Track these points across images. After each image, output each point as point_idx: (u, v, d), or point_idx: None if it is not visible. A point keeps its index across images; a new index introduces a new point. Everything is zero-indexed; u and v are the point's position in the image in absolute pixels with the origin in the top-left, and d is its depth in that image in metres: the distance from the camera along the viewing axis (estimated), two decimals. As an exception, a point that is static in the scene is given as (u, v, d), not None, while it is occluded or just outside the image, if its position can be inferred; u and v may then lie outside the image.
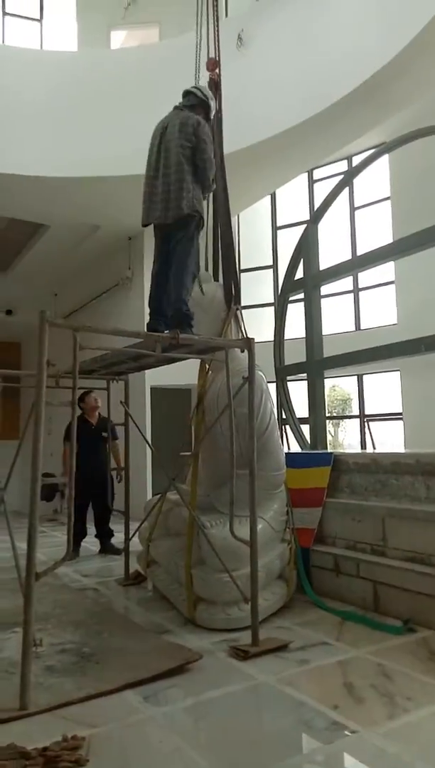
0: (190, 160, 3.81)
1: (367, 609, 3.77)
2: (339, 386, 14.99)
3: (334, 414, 15.58)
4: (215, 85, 4.75)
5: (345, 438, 15.19)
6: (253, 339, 3.60)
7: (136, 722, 2.39)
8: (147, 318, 4.01)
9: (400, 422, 8.65)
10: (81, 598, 4.24)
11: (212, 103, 4.24)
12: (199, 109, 4.12)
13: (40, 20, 9.37)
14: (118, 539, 5.85)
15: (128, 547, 4.81)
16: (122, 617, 3.80)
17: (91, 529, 6.16)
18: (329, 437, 15.29)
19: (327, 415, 8.34)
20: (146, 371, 6.76)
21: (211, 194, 4.53)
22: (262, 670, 2.87)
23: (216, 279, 4.56)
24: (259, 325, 9.05)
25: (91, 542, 6.67)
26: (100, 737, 2.25)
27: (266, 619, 3.58)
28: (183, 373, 6.10)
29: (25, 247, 9.87)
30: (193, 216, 3.78)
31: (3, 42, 8.83)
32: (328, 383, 13.12)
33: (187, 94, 4.20)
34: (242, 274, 10.21)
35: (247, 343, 3.55)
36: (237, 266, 4.50)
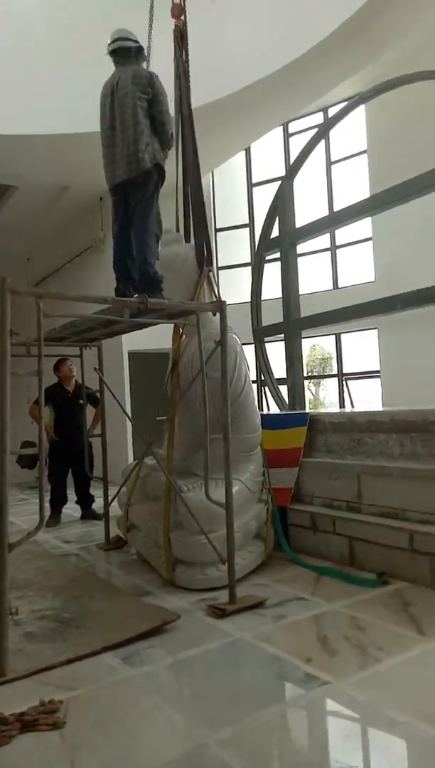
0: (147, 113, 3.65)
1: (344, 564, 3.87)
2: (319, 345, 15.04)
3: (315, 373, 15.69)
4: (181, 33, 4.51)
5: (326, 397, 15.34)
6: (224, 302, 3.54)
7: (114, 683, 2.44)
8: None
9: (378, 380, 8.71)
10: (62, 564, 4.28)
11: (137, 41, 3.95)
12: (141, 57, 3.94)
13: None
14: (98, 504, 5.89)
15: (108, 513, 4.84)
16: (102, 581, 3.84)
17: (73, 495, 6.19)
18: (310, 397, 15.45)
19: (306, 374, 8.37)
20: (123, 336, 6.68)
21: (180, 151, 4.37)
22: (239, 627, 2.94)
23: (187, 240, 4.44)
24: (238, 286, 8.95)
25: (73, 508, 6.71)
26: (79, 700, 2.29)
27: (244, 577, 3.65)
28: (162, 337, 6.03)
29: (-6, 210, 9.54)
30: (153, 174, 3.64)
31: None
32: (308, 343, 13.16)
33: (121, 49, 3.83)
34: (218, 234, 10.02)
35: (219, 306, 3.49)
36: (208, 226, 4.37)
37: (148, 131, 3.61)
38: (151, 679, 2.49)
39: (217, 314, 3.54)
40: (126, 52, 3.84)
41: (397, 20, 6.29)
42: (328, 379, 14.03)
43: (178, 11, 4.54)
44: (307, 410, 5.66)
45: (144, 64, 3.99)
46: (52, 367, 5.72)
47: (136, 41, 3.92)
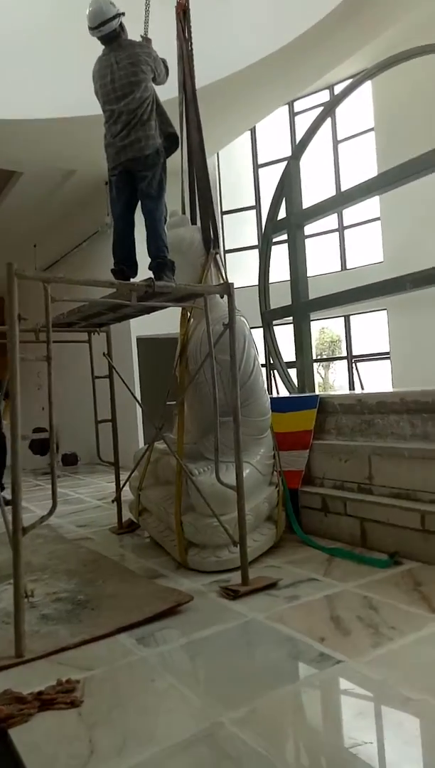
0: (151, 88, 3.61)
1: (355, 545, 3.88)
2: (328, 328, 14.93)
3: (324, 356, 15.61)
4: (184, 11, 4.43)
5: (335, 380, 15.28)
6: (232, 284, 3.51)
7: (130, 663, 2.47)
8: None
9: (388, 361, 8.66)
10: (76, 548, 4.32)
11: (115, 9, 3.78)
12: (123, 28, 3.79)
13: None
14: (108, 490, 5.93)
15: (120, 497, 4.87)
16: (116, 565, 3.88)
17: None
18: (319, 379, 15.40)
19: (315, 357, 8.33)
20: (132, 322, 6.67)
21: (184, 133, 4.31)
22: (251, 608, 2.96)
23: (193, 222, 4.40)
24: (245, 269, 8.89)
25: (86, 494, 6.79)
26: (95, 679, 2.33)
27: (256, 559, 3.67)
28: (170, 321, 6.01)
29: (-1, 197, 9.52)
30: (162, 153, 3.62)
31: None
32: (317, 325, 13.05)
33: (108, 32, 3.70)
34: (224, 216, 9.93)
35: (227, 288, 3.47)
36: (215, 209, 4.33)
37: (155, 112, 3.59)
38: (166, 659, 2.52)
39: (225, 297, 3.52)
40: (112, 35, 3.75)
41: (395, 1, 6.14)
42: (337, 362, 13.97)
43: (181, -11, 4.45)
44: (317, 393, 5.64)
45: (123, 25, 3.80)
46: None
47: (115, 14, 3.71)
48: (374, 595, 3.01)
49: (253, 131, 9.82)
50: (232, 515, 3.45)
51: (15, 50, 6.78)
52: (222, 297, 3.67)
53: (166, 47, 4.27)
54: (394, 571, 3.36)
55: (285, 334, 6.59)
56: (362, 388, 8.99)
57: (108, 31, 3.71)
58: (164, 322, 5.64)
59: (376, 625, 2.66)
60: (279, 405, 4.64)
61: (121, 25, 3.80)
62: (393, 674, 2.24)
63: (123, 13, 3.80)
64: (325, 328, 14.91)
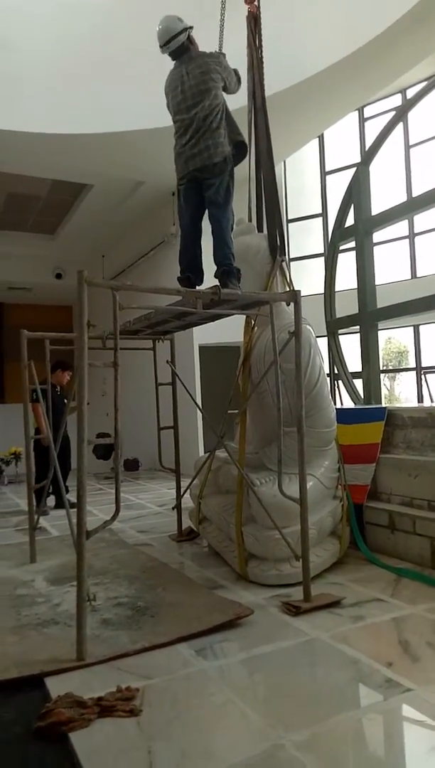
0: (222, 98, 3.63)
1: (424, 566, 3.68)
2: (395, 338, 14.50)
3: (390, 367, 15.16)
4: (254, 19, 4.44)
5: (401, 392, 14.79)
6: (299, 291, 3.44)
7: (188, 675, 2.44)
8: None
9: (460, 374, 8.28)
10: (136, 553, 4.35)
11: (183, 24, 3.84)
12: (193, 41, 3.85)
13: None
14: (165, 497, 5.95)
15: (180, 504, 4.87)
16: (176, 572, 3.87)
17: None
18: (385, 391, 14.94)
19: (381, 368, 8.08)
20: (194, 330, 6.71)
21: (253, 141, 4.30)
22: (314, 626, 2.86)
23: (260, 230, 4.37)
24: (310, 277, 8.78)
25: (147, 499, 6.86)
26: (154, 689, 2.30)
27: (319, 575, 3.56)
28: (231, 330, 6.00)
29: (71, 209, 9.87)
30: (229, 162, 3.63)
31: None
32: (383, 335, 12.71)
33: (176, 47, 3.79)
34: (290, 224, 9.86)
35: (293, 296, 3.40)
36: (282, 216, 4.28)
37: (224, 120, 3.61)
38: (225, 673, 2.46)
39: (291, 305, 3.45)
40: (180, 49, 3.81)
41: None
42: (404, 374, 13.52)
43: (252, -3, 4.46)
44: (384, 405, 5.45)
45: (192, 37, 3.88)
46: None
47: (181, 29, 3.79)
48: (446, 621, 2.84)
49: (320, 138, 9.72)
50: (294, 528, 3.36)
51: (86, 67, 7.03)
52: (288, 305, 3.61)
53: (236, 55, 4.29)
54: (467, 597, 3.16)
55: (351, 344, 6.42)
56: (432, 400, 8.63)
57: (175, 46, 3.78)
58: (226, 330, 5.63)
59: (449, 654, 2.50)
60: (345, 416, 4.51)
61: (190, 38, 3.85)
62: (468, 709, 2.08)
63: (191, 27, 3.85)
64: (391, 338, 14.49)
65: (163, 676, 2.42)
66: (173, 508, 4.99)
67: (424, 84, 6.41)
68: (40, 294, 12.48)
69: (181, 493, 4.84)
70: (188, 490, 4.73)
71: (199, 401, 8.18)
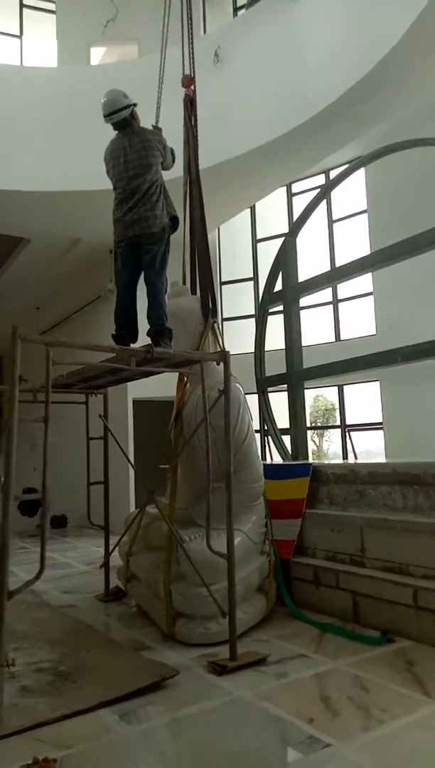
0: (161, 176, 3.90)
1: (347, 620, 3.78)
2: (323, 396, 15.10)
3: (319, 424, 15.68)
4: (190, 101, 4.80)
5: (329, 448, 15.27)
6: (228, 352, 3.62)
7: (110, 742, 2.36)
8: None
9: (381, 432, 8.71)
10: (60, 615, 4.19)
11: (127, 100, 4.10)
12: (135, 116, 4.11)
13: (20, 36, 9.43)
14: (99, 554, 5.81)
15: (108, 563, 4.77)
16: (100, 635, 3.76)
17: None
18: (313, 447, 15.38)
19: (309, 425, 8.39)
20: (129, 384, 6.75)
21: (187, 209, 4.57)
22: (239, 685, 2.86)
23: (193, 293, 4.58)
24: (242, 337, 9.08)
25: (74, 558, 6.64)
26: (73, 759, 2.22)
27: (246, 632, 3.57)
28: (167, 385, 6.08)
29: (6, 262, 9.85)
30: (167, 231, 3.86)
31: (-18, 58, 8.87)
32: (312, 393, 13.22)
33: (118, 120, 4.03)
34: (224, 287, 10.27)
35: (223, 356, 3.57)
36: (213, 279, 4.52)
37: (162, 196, 3.85)
38: (149, 738, 2.41)
39: (221, 364, 3.61)
40: (123, 122, 4.07)
41: (388, 98, 6.67)
42: (332, 431, 14.01)
43: (188, 81, 4.85)
44: (310, 461, 5.66)
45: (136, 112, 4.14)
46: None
47: (126, 105, 4.03)
48: (366, 675, 2.92)
49: (252, 209, 10.34)
50: (222, 585, 3.38)
51: (30, 128, 7.26)
52: (218, 364, 3.77)
53: (173, 131, 4.61)
54: (386, 650, 3.26)
55: (280, 401, 6.67)
56: (356, 457, 9.00)
57: (118, 119, 4.03)
58: (161, 385, 5.72)
59: (367, 707, 2.57)
60: (272, 472, 4.65)
61: (133, 114, 4.12)
62: (384, 761, 2.15)
63: (135, 104, 4.13)
64: (320, 396, 15.08)
65: (83, 744, 2.33)
66: (101, 567, 4.87)
67: (345, 167, 7.06)
68: (-31, 344, 12.16)
69: (110, 551, 4.74)
70: (117, 548, 4.65)
71: (131, 456, 8.11)
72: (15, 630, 3.71)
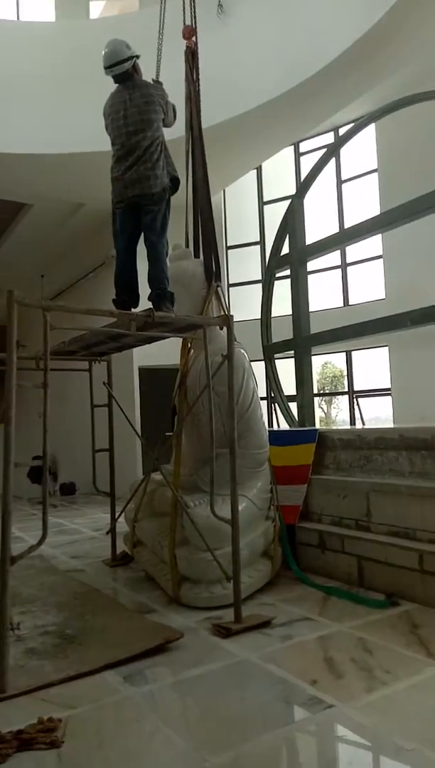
0: (160, 128, 3.73)
1: (353, 584, 3.79)
2: (331, 363, 14.99)
3: (326, 390, 15.61)
4: (192, 53, 4.59)
5: (338, 414, 15.24)
6: (232, 316, 3.54)
7: (115, 702, 2.39)
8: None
9: (389, 398, 8.64)
10: (67, 579, 4.24)
11: (130, 51, 3.93)
12: (137, 68, 3.94)
13: (15, -10, 9.06)
14: (106, 521, 5.87)
15: (115, 528, 4.80)
16: (107, 598, 3.80)
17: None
18: (321, 415, 15.35)
19: (317, 392, 8.32)
20: (134, 351, 6.71)
21: (190, 169, 4.42)
22: (243, 647, 2.88)
23: (196, 256, 4.47)
24: (249, 303, 8.97)
25: (82, 524, 6.72)
26: (78, 719, 2.25)
27: (251, 596, 3.59)
28: (172, 352, 6.03)
29: (8, 228, 9.71)
30: (168, 190, 3.73)
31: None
32: (320, 360, 13.10)
33: (120, 72, 3.86)
34: (229, 251, 10.08)
35: (226, 321, 3.49)
36: (217, 242, 4.40)
37: (163, 156, 3.70)
38: (153, 699, 2.43)
39: (225, 329, 3.54)
40: (125, 75, 3.89)
41: (398, 50, 6.37)
42: (340, 398, 13.96)
43: (190, 32, 4.63)
44: (316, 427, 5.61)
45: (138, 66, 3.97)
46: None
47: (128, 56, 3.86)
48: (370, 637, 2.93)
49: (259, 170, 10.06)
50: (226, 550, 3.38)
51: (29, 89, 7.03)
52: (221, 329, 3.69)
53: (174, 87, 4.42)
54: (391, 613, 3.27)
55: (287, 368, 6.60)
56: (363, 423, 8.95)
57: (120, 71, 3.85)
58: (167, 352, 5.66)
59: (371, 669, 2.58)
60: (277, 438, 4.61)
61: (135, 66, 3.94)
62: (386, 721, 2.15)
63: (138, 56, 3.95)
64: (327, 363, 14.96)
65: (88, 705, 2.36)
66: (107, 533, 4.90)
67: (354, 123, 6.80)
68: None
69: (116, 517, 4.77)
70: (123, 514, 4.68)
71: (138, 423, 8.13)
72: (22, 594, 3.77)
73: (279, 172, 10.09)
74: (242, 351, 4.02)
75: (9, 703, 2.38)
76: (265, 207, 10.14)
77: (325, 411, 15.54)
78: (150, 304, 3.64)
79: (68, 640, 2.98)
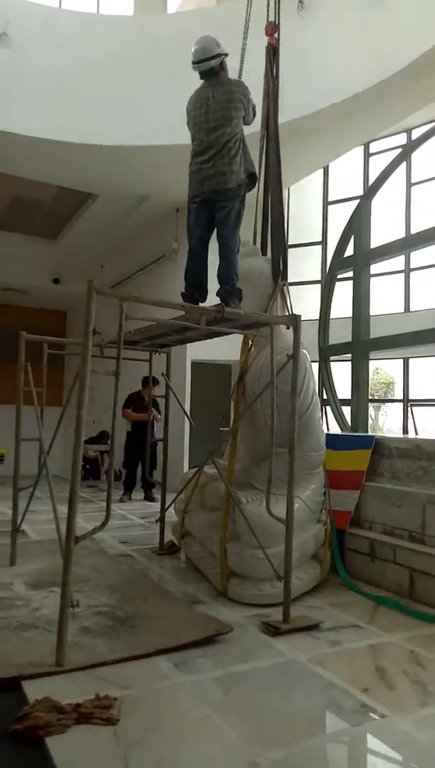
0: (241, 130, 3.76)
1: (402, 595, 3.73)
2: (382, 369, 14.70)
3: (376, 397, 15.32)
4: (273, 50, 4.58)
5: (385, 422, 14.94)
6: (299, 316, 3.52)
7: (166, 687, 2.44)
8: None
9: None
10: (117, 563, 4.34)
11: (220, 49, 3.93)
12: (224, 66, 3.95)
13: (96, -16, 9.23)
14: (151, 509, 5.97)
15: (164, 518, 4.88)
16: (156, 585, 3.87)
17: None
18: (369, 420, 15.08)
19: (369, 397, 8.19)
20: (187, 346, 6.77)
21: (263, 166, 4.42)
22: (292, 648, 2.88)
23: (264, 253, 4.47)
24: (305, 303, 8.89)
25: (129, 511, 6.84)
26: (132, 699, 2.30)
27: (298, 597, 3.58)
28: (224, 348, 6.05)
29: (74, 217, 9.93)
30: (244, 188, 3.74)
31: (60, 5, 8.75)
32: (371, 366, 12.86)
33: (207, 69, 3.89)
34: (290, 250, 10.01)
35: (294, 320, 3.48)
36: (286, 241, 4.39)
37: (241, 152, 3.71)
38: (202, 689, 2.47)
39: (290, 328, 3.53)
40: (211, 71, 3.93)
41: None
42: (388, 405, 13.69)
43: (272, 28, 4.62)
44: (372, 433, 5.53)
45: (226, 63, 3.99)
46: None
47: (217, 54, 3.90)
48: (422, 651, 2.88)
49: (325, 169, 9.94)
50: (278, 549, 3.38)
51: (102, 78, 7.16)
52: (287, 328, 3.68)
53: (250, 86, 4.41)
54: (443, 628, 3.20)
55: (339, 371, 6.52)
56: (416, 432, 8.76)
57: (206, 68, 3.89)
58: (219, 348, 5.69)
59: (424, 683, 2.54)
60: (333, 442, 4.57)
61: (222, 64, 3.97)
62: (441, 738, 2.11)
63: (226, 54, 3.97)
64: (378, 369, 14.69)
65: (140, 687, 2.42)
66: (156, 521, 4.98)
67: (429, 126, 6.63)
68: (36, 297, 12.47)
69: (166, 506, 4.84)
70: (173, 504, 4.74)
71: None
72: (75, 573, 3.86)
73: (346, 172, 9.95)
74: (305, 352, 4.00)
75: (66, 676, 2.46)
76: (330, 207, 10.02)
77: (373, 417, 15.27)
78: (217, 300, 3.67)
79: (120, 622, 3.06)
